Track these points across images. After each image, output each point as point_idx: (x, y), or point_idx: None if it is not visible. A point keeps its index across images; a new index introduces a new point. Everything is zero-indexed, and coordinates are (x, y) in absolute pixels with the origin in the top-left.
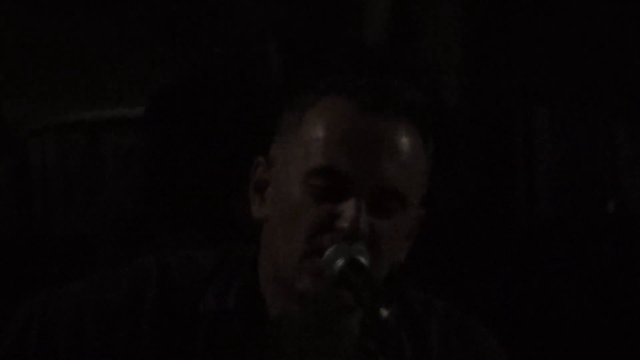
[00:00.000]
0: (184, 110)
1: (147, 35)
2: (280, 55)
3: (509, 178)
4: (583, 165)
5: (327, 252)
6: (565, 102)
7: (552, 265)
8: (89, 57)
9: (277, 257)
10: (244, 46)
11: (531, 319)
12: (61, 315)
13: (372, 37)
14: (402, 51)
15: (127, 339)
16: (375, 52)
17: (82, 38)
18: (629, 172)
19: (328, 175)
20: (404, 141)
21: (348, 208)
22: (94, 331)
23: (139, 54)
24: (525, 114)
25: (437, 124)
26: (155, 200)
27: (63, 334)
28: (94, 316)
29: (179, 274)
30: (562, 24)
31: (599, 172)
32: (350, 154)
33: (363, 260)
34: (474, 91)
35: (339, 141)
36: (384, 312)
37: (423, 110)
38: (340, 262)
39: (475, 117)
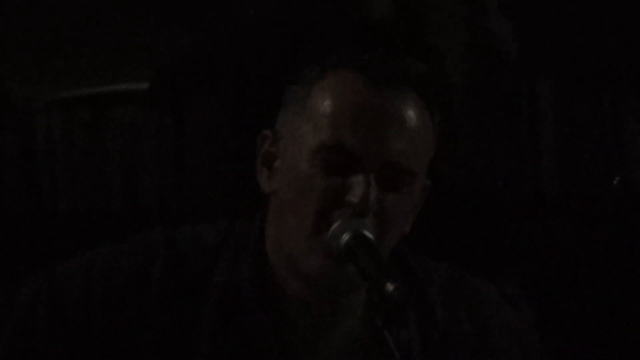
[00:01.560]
0: (189, 84)
1: (152, 9)
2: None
3: (514, 155)
4: (588, 141)
5: (333, 227)
6: (570, 78)
7: (558, 242)
8: (93, 32)
9: (285, 232)
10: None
11: (537, 297)
12: (69, 288)
13: (376, 14)
14: (406, 30)
15: (136, 310)
16: (381, 29)
17: (86, 13)
18: (634, 148)
19: (337, 151)
20: (412, 115)
21: (357, 183)
22: (103, 303)
23: (143, 29)
24: (529, 90)
25: (442, 102)
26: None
27: (72, 306)
28: (102, 288)
29: (186, 247)
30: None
31: (604, 148)
32: (359, 129)
33: (368, 234)
34: (478, 68)
35: (348, 116)
36: (390, 287)
37: (430, 83)
38: (346, 237)
39: (480, 95)
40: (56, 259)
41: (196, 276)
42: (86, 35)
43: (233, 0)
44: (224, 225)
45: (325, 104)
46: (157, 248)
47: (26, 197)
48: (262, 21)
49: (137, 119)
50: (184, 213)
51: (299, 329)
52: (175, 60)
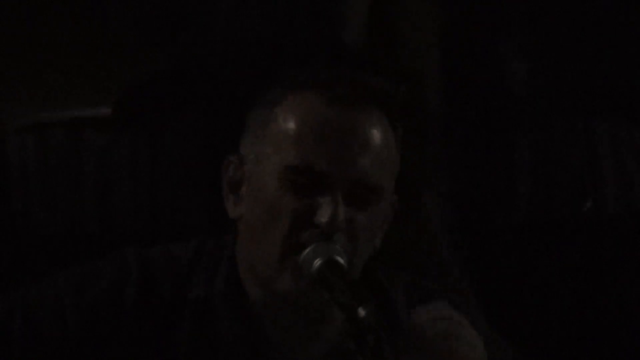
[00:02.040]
0: (152, 108)
1: (128, 34)
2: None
3: (488, 179)
4: (561, 164)
5: (305, 252)
6: (543, 103)
7: (531, 266)
8: (69, 55)
9: (255, 256)
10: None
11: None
12: (43, 308)
13: (350, 40)
14: (380, 53)
15: (110, 330)
16: (355, 51)
17: (62, 37)
18: (607, 171)
19: (303, 172)
20: (375, 132)
21: (325, 203)
22: (77, 323)
23: (119, 53)
24: (505, 115)
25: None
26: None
27: (46, 326)
28: (76, 309)
29: (158, 265)
30: (540, 24)
31: (577, 171)
32: (324, 150)
33: (341, 260)
34: (453, 93)
35: (311, 137)
36: (362, 312)
37: (391, 97)
38: (318, 262)
39: (455, 119)
40: (28, 280)
41: (170, 294)
42: (61, 59)
43: (208, 20)
44: (195, 244)
45: (288, 126)
46: (130, 267)
47: None
48: (236, 42)
49: (110, 141)
50: (158, 235)
51: (276, 344)
52: (146, 81)
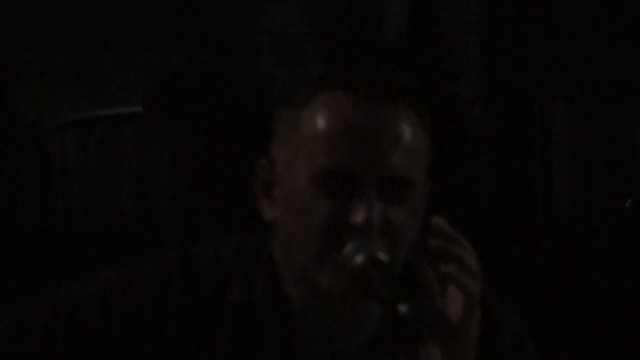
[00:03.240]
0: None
1: (163, 29)
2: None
3: (527, 174)
4: (601, 161)
5: (346, 248)
6: (583, 96)
7: (569, 262)
8: (109, 54)
9: (295, 258)
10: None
11: (551, 317)
12: (87, 308)
13: (390, 34)
14: (420, 47)
15: (153, 329)
16: (394, 47)
17: (104, 35)
18: None
19: (335, 174)
20: (404, 126)
21: (359, 203)
22: (120, 321)
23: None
24: (543, 108)
25: (456, 120)
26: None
27: (90, 327)
28: (120, 308)
29: (201, 265)
30: (580, 17)
31: (617, 168)
32: (354, 150)
33: (382, 256)
34: (491, 86)
35: (340, 139)
36: (402, 309)
37: (417, 89)
38: (359, 259)
39: (493, 112)
40: (70, 276)
41: (212, 295)
42: (102, 57)
43: (244, 15)
44: (237, 242)
45: (316, 129)
46: (173, 267)
47: (40, 216)
48: (272, 37)
49: (150, 137)
50: (197, 231)
51: (313, 343)
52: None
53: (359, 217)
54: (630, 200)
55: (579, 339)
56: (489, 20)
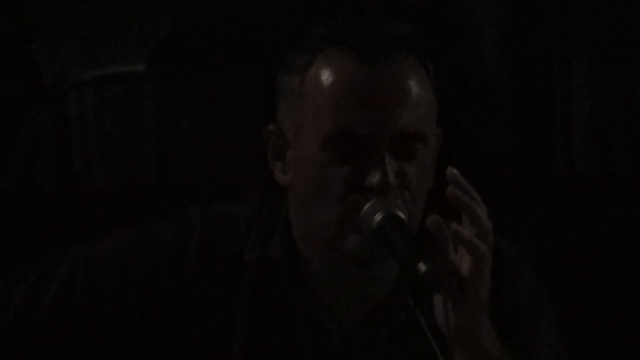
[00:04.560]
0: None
1: None
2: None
3: (546, 133)
4: (621, 118)
5: (365, 207)
6: (604, 53)
7: (591, 222)
8: (127, 11)
9: (313, 222)
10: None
11: (571, 277)
12: (105, 267)
13: None
14: (440, 6)
15: (171, 288)
16: (413, 6)
17: None
18: None
19: (345, 138)
20: (410, 80)
21: (373, 164)
22: (138, 280)
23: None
24: (563, 65)
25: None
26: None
27: (107, 285)
28: (138, 265)
29: (219, 226)
30: None
31: (637, 125)
32: (361, 110)
33: (401, 214)
34: (512, 44)
35: (347, 101)
36: (422, 267)
37: (418, 40)
38: (378, 217)
39: (513, 71)
40: (89, 237)
41: (230, 255)
42: (120, 14)
43: None
44: (256, 202)
45: (322, 92)
46: (193, 226)
47: (59, 174)
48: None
49: (169, 96)
50: (216, 190)
51: (329, 306)
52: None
53: (374, 178)
54: None
55: (597, 297)
56: None
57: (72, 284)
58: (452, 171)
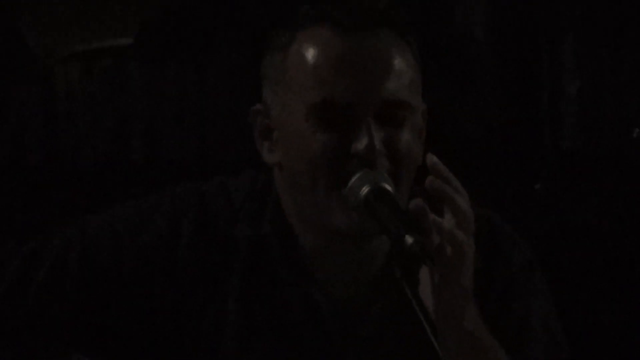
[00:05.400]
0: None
1: None
2: None
3: (535, 108)
4: (609, 95)
5: (352, 181)
6: (592, 29)
7: (579, 196)
8: None
9: (303, 198)
10: None
11: (558, 253)
12: (100, 244)
13: None
14: None
15: (166, 265)
16: None
17: None
18: None
19: (329, 107)
20: (392, 51)
21: (359, 132)
22: (133, 259)
23: None
24: (551, 42)
25: (463, 54)
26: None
27: (102, 261)
28: (133, 242)
29: (214, 203)
30: None
31: (624, 100)
32: (344, 80)
33: (387, 186)
34: (498, 20)
35: (329, 72)
36: (409, 239)
37: (399, 14)
38: (365, 190)
39: (501, 47)
40: (77, 211)
41: (223, 231)
42: None
43: None
44: (249, 179)
45: (305, 66)
46: (187, 203)
47: (47, 149)
48: None
49: (157, 73)
50: (204, 165)
51: (322, 283)
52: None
53: (360, 144)
54: (637, 129)
55: (588, 274)
56: None
57: (66, 258)
58: (433, 159)
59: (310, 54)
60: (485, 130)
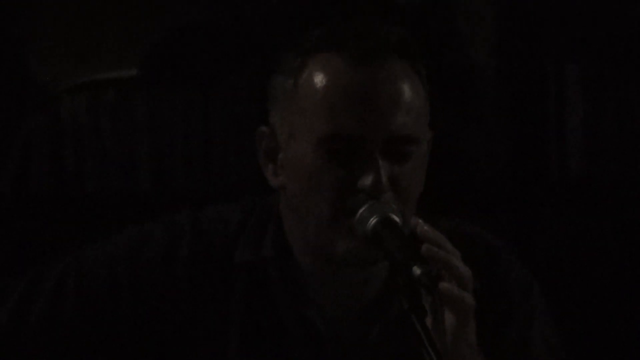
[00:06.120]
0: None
1: None
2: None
3: (540, 136)
4: (614, 122)
5: (361, 210)
6: (597, 56)
7: (584, 223)
8: (121, 16)
9: (307, 224)
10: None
11: (565, 277)
12: (96, 272)
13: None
14: (433, 10)
15: (163, 292)
16: (406, 9)
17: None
18: None
19: (338, 140)
20: (402, 83)
21: (366, 166)
22: (130, 286)
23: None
24: (556, 70)
25: (469, 82)
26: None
27: (99, 289)
28: (129, 271)
29: (210, 228)
30: None
31: (630, 129)
32: (354, 113)
33: (396, 218)
34: (504, 48)
35: (339, 103)
36: (417, 270)
37: (410, 44)
38: (373, 221)
39: (506, 75)
40: (82, 241)
41: (221, 256)
42: (111, 18)
43: None
44: (245, 204)
45: (315, 95)
46: (183, 230)
47: (53, 179)
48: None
49: (163, 101)
50: (211, 194)
51: (320, 307)
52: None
53: (367, 180)
54: None
55: (591, 298)
56: None
57: (63, 289)
58: (422, 228)
59: (321, 83)
60: (490, 157)
